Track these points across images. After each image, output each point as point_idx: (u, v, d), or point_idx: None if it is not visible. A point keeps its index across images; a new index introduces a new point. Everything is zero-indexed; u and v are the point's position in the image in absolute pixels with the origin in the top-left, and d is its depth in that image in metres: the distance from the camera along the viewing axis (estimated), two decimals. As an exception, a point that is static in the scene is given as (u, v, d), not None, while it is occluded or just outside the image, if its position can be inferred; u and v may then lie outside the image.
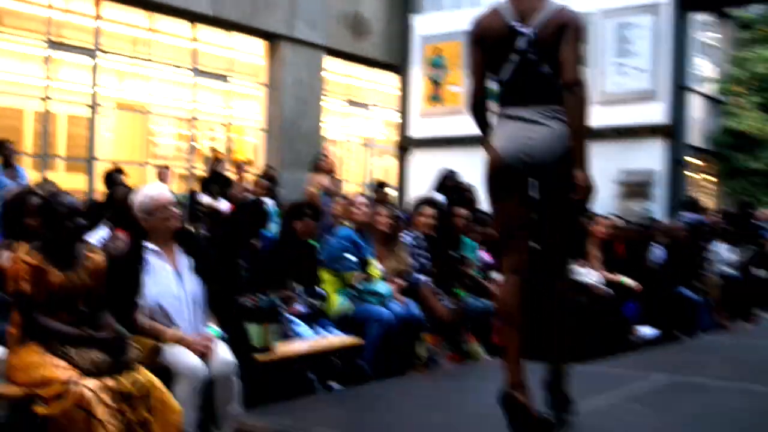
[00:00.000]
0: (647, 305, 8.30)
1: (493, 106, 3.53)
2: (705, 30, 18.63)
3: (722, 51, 19.88)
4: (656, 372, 4.62)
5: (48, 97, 11.82)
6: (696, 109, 17.04)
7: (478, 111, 3.44)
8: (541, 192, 3.31)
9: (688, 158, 15.65)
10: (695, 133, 17.08)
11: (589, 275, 7.63)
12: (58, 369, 3.30)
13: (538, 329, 3.37)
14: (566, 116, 3.18)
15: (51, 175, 11.20)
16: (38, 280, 3.44)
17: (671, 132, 14.67)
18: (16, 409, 3.39)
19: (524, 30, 3.19)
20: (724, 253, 10.31)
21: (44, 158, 11.87)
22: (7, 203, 4.45)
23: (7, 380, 3.43)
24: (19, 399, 3.34)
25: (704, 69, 18.66)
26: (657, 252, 9.22)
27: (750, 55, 19.41)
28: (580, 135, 3.19)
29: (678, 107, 14.72)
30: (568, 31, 3.20)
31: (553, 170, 3.22)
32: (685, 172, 15.44)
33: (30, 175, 9.99)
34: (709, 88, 18.84)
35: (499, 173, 3.31)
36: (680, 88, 14.73)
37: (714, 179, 19.55)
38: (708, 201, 17.36)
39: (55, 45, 11.80)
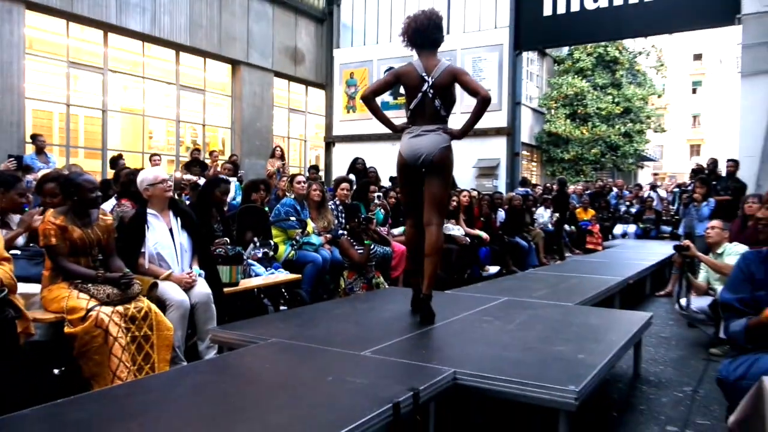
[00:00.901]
0: (494, 250, 8.39)
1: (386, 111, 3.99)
2: (531, 64, 19.05)
3: (542, 78, 20.32)
4: (500, 295, 4.63)
5: (70, 104, 11.56)
6: (526, 117, 17.46)
7: (368, 103, 3.73)
8: (426, 176, 3.69)
9: (521, 151, 16.13)
10: (525, 134, 17.54)
11: (456, 230, 7.64)
12: (81, 300, 3.21)
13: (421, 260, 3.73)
14: (471, 114, 3.55)
15: (72, 161, 11.01)
16: (63, 236, 3.32)
17: (510, 132, 15.16)
18: (50, 330, 3.28)
19: (428, 78, 3.58)
20: (544, 215, 10.65)
21: (67, 148, 11.59)
22: (43, 181, 4.30)
23: (43, 309, 3.33)
24: (52, 322, 3.23)
25: (530, 90, 19.08)
26: (500, 214, 9.40)
27: (561, 80, 19.82)
28: (473, 125, 3.64)
29: (514, 116, 15.15)
30: (459, 75, 3.63)
31: (432, 163, 3.63)
32: (519, 160, 15.90)
33: (57, 160, 9.89)
34: (534, 103, 19.33)
35: (403, 167, 3.73)
36: (515, 103, 15.14)
37: (537, 165, 20.13)
38: (534, 179, 17.73)
39: (73, 65, 11.55)
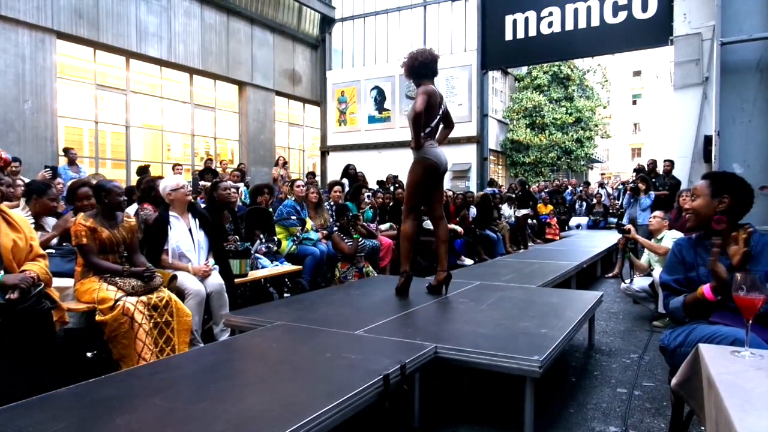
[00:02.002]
0: (467, 241, 8.40)
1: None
2: (495, 81, 19.02)
3: (505, 93, 20.35)
4: (473, 280, 4.64)
5: (97, 121, 11.44)
6: (492, 127, 17.42)
7: (417, 123, 3.63)
8: (439, 180, 3.94)
9: (489, 156, 16.10)
10: (492, 141, 17.57)
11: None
12: (109, 291, 3.19)
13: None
14: (442, 136, 3.91)
15: (101, 171, 10.93)
16: (92, 236, 3.31)
17: (479, 140, 15.20)
18: (82, 318, 3.28)
19: (442, 105, 3.84)
20: (509, 211, 10.63)
21: (96, 160, 11.47)
22: (71, 189, 4.24)
23: (76, 300, 3.31)
24: (84, 312, 3.22)
25: (496, 104, 19.05)
26: (472, 210, 9.37)
27: (521, 95, 19.88)
28: (441, 143, 3.91)
29: (482, 126, 15.16)
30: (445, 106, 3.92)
31: (446, 170, 3.93)
32: (488, 164, 15.88)
33: (87, 171, 9.77)
34: (499, 115, 19.36)
35: (433, 171, 3.80)
36: (483, 115, 15.15)
37: (503, 168, 20.16)
38: (500, 180, 17.86)
39: (100, 87, 11.42)
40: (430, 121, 3.77)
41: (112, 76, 11.73)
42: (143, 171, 9.24)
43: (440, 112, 3.81)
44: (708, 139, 8.55)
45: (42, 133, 9.96)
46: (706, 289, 2.16)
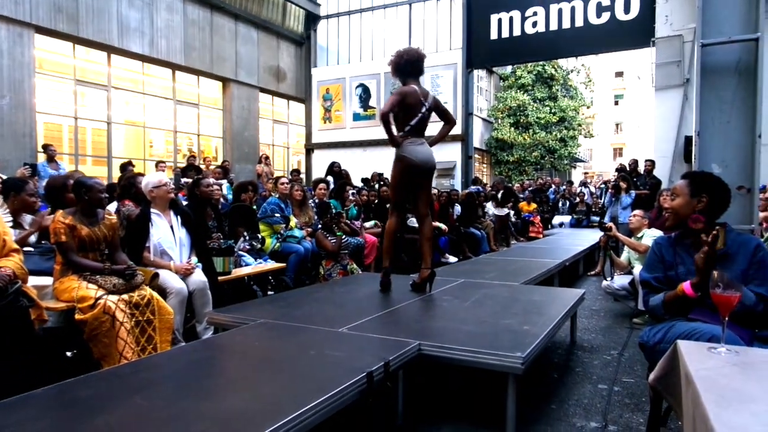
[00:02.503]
0: (452, 239, 8.38)
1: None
2: (480, 80, 19.16)
3: (490, 92, 20.43)
4: (457, 277, 4.66)
5: (77, 117, 11.27)
6: (477, 126, 17.59)
7: (387, 119, 3.70)
8: (424, 178, 3.94)
9: (473, 155, 16.22)
10: (477, 140, 17.70)
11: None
12: (89, 290, 3.13)
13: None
14: (439, 133, 3.98)
15: (81, 168, 10.76)
16: (71, 233, 3.25)
17: (464, 139, 15.28)
18: (62, 317, 3.21)
19: (425, 102, 3.84)
20: (493, 209, 10.55)
21: (76, 156, 11.31)
22: (51, 186, 4.15)
23: (55, 299, 3.24)
24: (63, 310, 3.16)
25: (481, 103, 19.19)
26: (457, 208, 9.40)
27: (506, 94, 19.93)
28: (439, 141, 3.99)
29: (467, 125, 15.27)
30: (439, 103, 3.96)
31: (432, 168, 3.93)
32: (472, 163, 15.99)
33: (67, 167, 9.62)
34: (483, 114, 19.45)
35: (413, 169, 3.82)
36: (468, 114, 15.28)
37: (487, 166, 20.23)
38: (485, 179, 17.91)
39: (80, 83, 11.25)
40: (409, 119, 3.81)
41: (93, 71, 11.57)
42: (126, 167, 9.12)
43: (423, 110, 3.82)
44: (688, 140, 8.70)
45: (20, 129, 9.79)
46: (686, 286, 2.20)
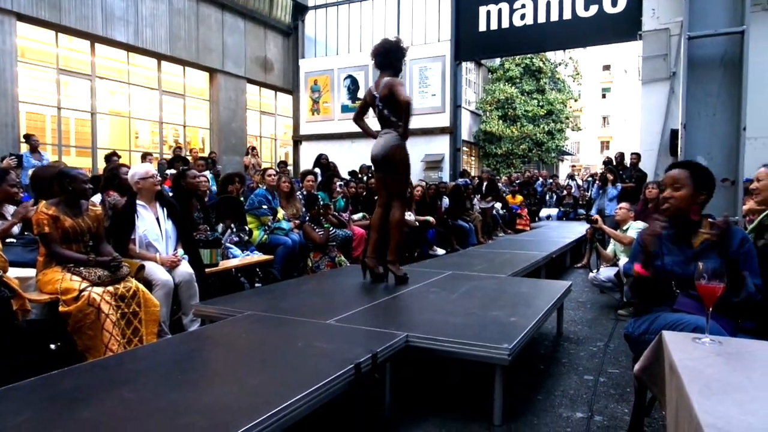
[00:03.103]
0: (440, 232, 8.33)
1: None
2: (469, 72, 19.14)
3: (478, 85, 20.43)
4: (445, 269, 4.69)
5: (61, 107, 11.07)
6: (465, 118, 17.59)
7: (357, 123, 4.24)
8: (383, 168, 4.01)
9: (461, 147, 16.15)
10: (465, 132, 17.70)
11: (407, 215, 7.35)
12: (73, 281, 3.10)
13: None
14: (402, 120, 3.85)
15: (65, 159, 10.57)
16: (55, 225, 3.21)
17: (452, 131, 15.23)
18: (45, 309, 3.18)
19: (376, 94, 3.94)
20: (480, 202, 10.57)
21: (60, 147, 11.11)
22: (35, 176, 4.13)
23: (38, 291, 3.20)
24: (47, 303, 3.12)
25: (469, 95, 19.18)
26: (445, 201, 9.33)
27: (494, 87, 19.97)
28: (407, 124, 3.86)
29: (455, 117, 15.19)
30: (392, 86, 3.86)
31: (384, 158, 3.93)
32: (460, 155, 15.91)
33: (50, 158, 9.48)
34: (472, 106, 19.47)
35: (372, 161, 4.02)
36: (456, 107, 15.20)
37: (476, 159, 20.28)
38: (473, 171, 17.87)
39: (63, 72, 11.06)
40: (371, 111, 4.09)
41: (76, 60, 11.36)
42: (110, 158, 8.98)
43: (378, 103, 3.98)
44: (674, 133, 8.77)
45: (2, 119, 9.62)
46: (636, 266, 2.25)
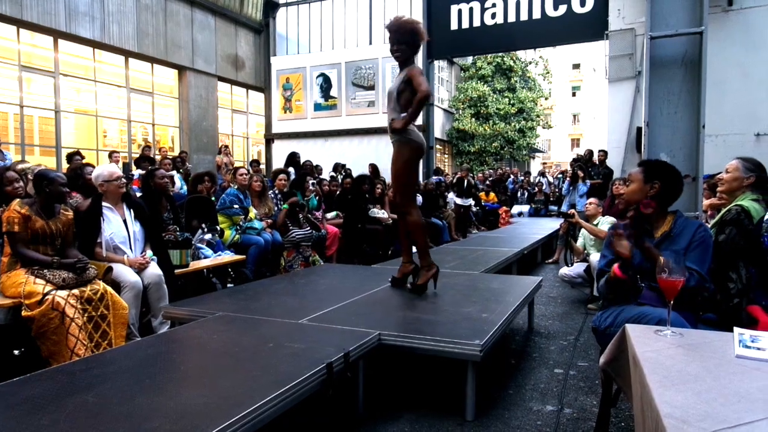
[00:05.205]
0: None
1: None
2: (441, 71, 19.26)
3: (451, 83, 20.54)
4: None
5: (23, 105, 10.74)
6: (438, 116, 17.68)
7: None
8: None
9: (435, 145, 16.29)
10: (438, 130, 17.80)
11: (381, 213, 7.65)
12: (37, 285, 3.03)
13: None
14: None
15: (28, 158, 10.27)
16: (25, 225, 3.15)
17: (425, 129, 15.18)
18: (8, 313, 3.09)
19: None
20: (455, 199, 10.68)
21: (23, 146, 10.78)
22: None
23: (1, 294, 3.12)
24: (10, 307, 3.04)
25: (442, 93, 19.29)
26: (419, 198, 9.11)
27: (466, 85, 20.09)
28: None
29: (428, 115, 15.16)
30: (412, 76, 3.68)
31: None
32: (434, 153, 16.00)
33: (13, 157, 9.19)
34: (445, 104, 19.56)
35: (420, 153, 3.85)
36: (429, 105, 15.45)
37: (449, 157, 20.42)
38: (446, 169, 18.00)
39: (25, 69, 10.72)
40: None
41: (39, 57, 11.02)
42: (72, 157, 8.72)
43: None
44: (640, 130, 8.97)
45: (-39, 117, 9.26)
46: (615, 267, 2.30)
